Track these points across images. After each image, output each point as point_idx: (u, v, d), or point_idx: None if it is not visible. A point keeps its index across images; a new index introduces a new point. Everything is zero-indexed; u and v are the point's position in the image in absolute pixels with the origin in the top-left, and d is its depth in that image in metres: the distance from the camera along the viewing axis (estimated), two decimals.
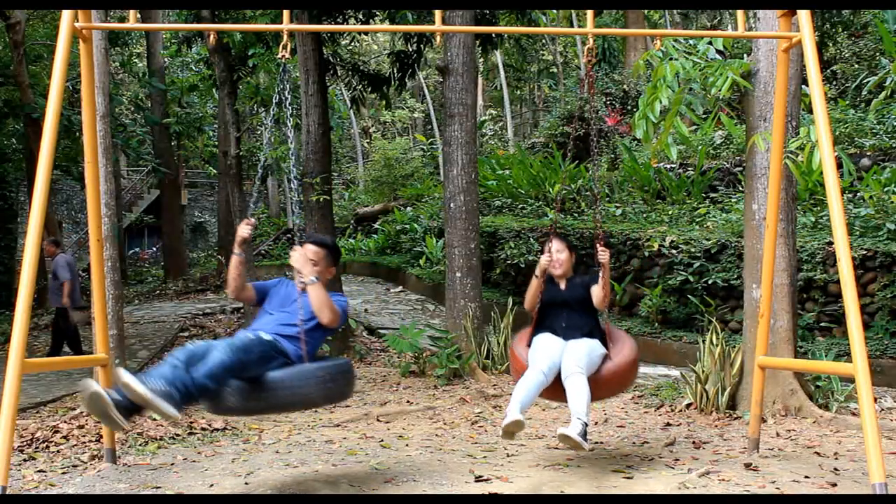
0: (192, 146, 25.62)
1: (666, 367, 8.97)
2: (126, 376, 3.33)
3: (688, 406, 6.34)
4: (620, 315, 10.58)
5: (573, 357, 4.38)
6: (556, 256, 4.72)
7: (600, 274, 4.53)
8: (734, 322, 9.29)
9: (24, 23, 13.81)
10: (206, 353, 3.64)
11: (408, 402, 7.05)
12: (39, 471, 4.43)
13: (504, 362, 8.29)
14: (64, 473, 4.40)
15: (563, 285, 4.76)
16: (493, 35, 11.08)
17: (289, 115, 4.23)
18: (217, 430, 5.71)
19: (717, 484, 4.04)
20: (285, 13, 4.21)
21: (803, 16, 4.06)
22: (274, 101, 4.07)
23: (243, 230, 4.00)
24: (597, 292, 4.60)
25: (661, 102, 5.18)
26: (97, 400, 3.36)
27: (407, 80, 11.39)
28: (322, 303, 3.96)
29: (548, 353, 4.43)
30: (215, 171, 24.17)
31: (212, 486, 4.05)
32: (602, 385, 4.48)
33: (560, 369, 4.37)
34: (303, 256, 4.05)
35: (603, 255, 4.45)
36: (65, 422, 5.59)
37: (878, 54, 14.43)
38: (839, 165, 9.99)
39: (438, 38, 4.58)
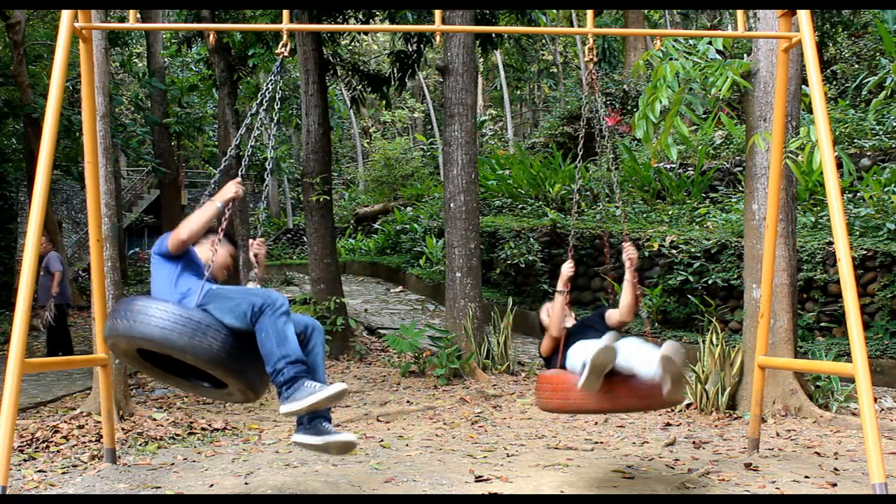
0: (192, 146, 25.60)
1: None
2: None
3: (688, 406, 6.34)
4: None
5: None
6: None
7: (626, 278, 4.21)
8: (734, 322, 9.29)
9: (24, 23, 13.80)
10: None
11: (408, 402, 7.05)
12: (39, 471, 4.43)
13: (504, 362, 8.30)
14: (64, 473, 4.40)
15: (572, 319, 4.40)
16: (493, 35, 11.08)
17: (277, 111, 4.19)
18: (217, 430, 5.71)
19: (717, 484, 4.04)
20: (285, 13, 4.21)
21: (803, 16, 4.06)
22: (260, 97, 3.95)
23: (237, 189, 3.69)
24: (624, 301, 4.21)
25: (661, 102, 5.17)
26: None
27: (407, 80, 11.38)
28: None
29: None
30: (215, 171, 24.16)
31: (212, 486, 4.05)
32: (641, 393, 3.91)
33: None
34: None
35: (631, 252, 4.19)
36: (65, 422, 5.59)
37: (878, 54, 14.43)
38: (839, 165, 9.99)
39: (438, 38, 4.57)
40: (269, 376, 3.39)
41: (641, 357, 3.70)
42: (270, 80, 3.93)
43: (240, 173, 3.90)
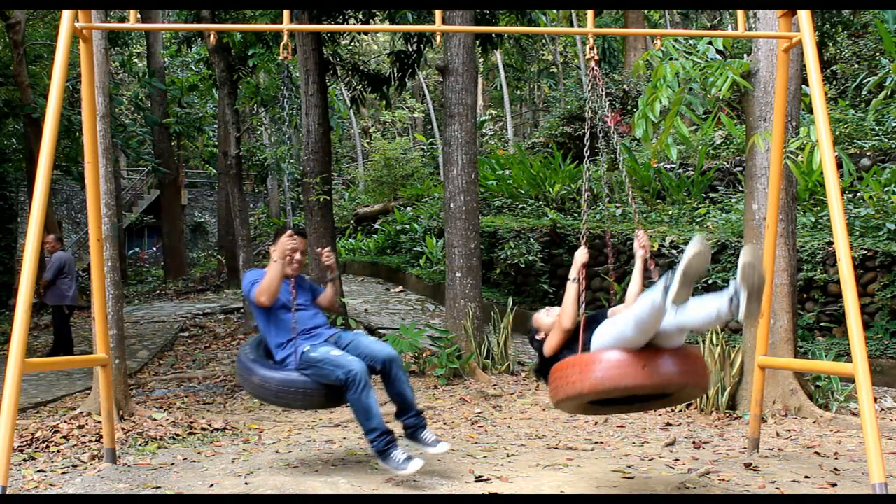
0: (192, 146, 25.62)
1: None
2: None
3: (688, 406, 6.34)
4: None
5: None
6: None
7: (637, 266, 4.14)
8: (734, 322, 9.29)
9: (24, 23, 13.80)
10: None
11: None
12: (39, 471, 4.43)
13: (504, 362, 8.29)
14: (64, 473, 4.40)
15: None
16: (493, 35, 11.08)
17: (287, 114, 4.39)
18: (217, 430, 5.71)
19: (717, 484, 4.04)
20: (285, 13, 4.21)
21: (803, 16, 4.06)
22: (281, 99, 4.21)
23: (290, 243, 4.34)
24: (632, 290, 4.08)
25: (661, 102, 5.18)
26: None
27: (407, 80, 11.39)
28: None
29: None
30: (215, 171, 24.18)
31: (212, 486, 4.05)
32: None
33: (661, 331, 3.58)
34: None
35: (643, 240, 4.10)
36: (65, 422, 5.59)
37: (878, 54, 14.43)
38: (839, 165, 9.99)
39: (438, 38, 4.57)
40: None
41: (700, 306, 3.42)
42: (282, 91, 4.28)
43: (288, 226, 4.42)
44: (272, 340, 4.38)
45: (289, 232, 4.30)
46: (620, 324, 3.58)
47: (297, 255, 4.40)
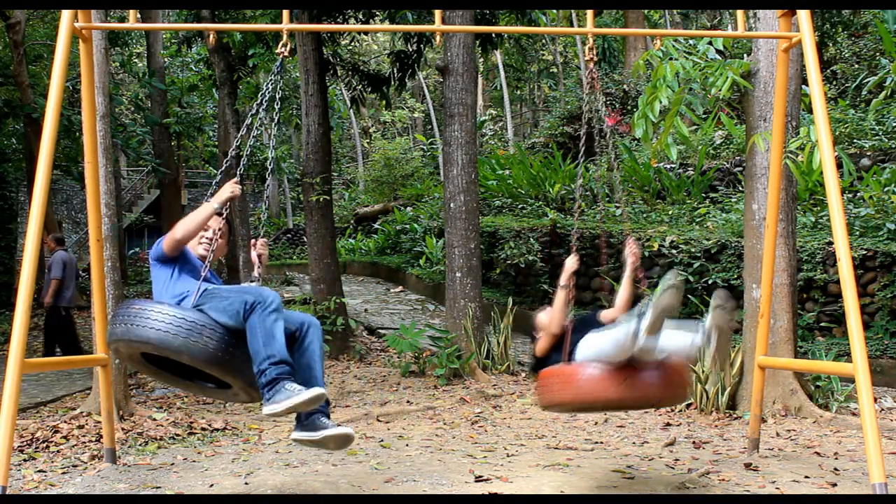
0: (192, 146, 25.60)
1: None
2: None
3: (688, 406, 6.34)
4: None
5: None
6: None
7: (626, 274, 4.17)
8: (734, 322, 9.29)
9: (24, 23, 13.79)
10: None
11: (408, 402, 7.05)
12: (39, 471, 4.43)
13: (504, 362, 8.29)
14: (64, 473, 4.40)
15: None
16: (493, 35, 11.08)
17: (278, 112, 4.22)
18: (217, 430, 5.71)
19: (717, 484, 4.04)
20: (285, 13, 4.21)
21: (803, 16, 4.06)
22: (260, 97, 3.93)
23: (234, 189, 3.65)
24: (621, 298, 4.12)
25: (661, 102, 5.17)
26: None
27: (407, 80, 11.38)
28: None
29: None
30: (215, 171, 24.16)
31: (212, 486, 4.05)
32: None
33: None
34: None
35: (634, 249, 4.14)
36: (65, 422, 5.59)
37: (878, 54, 14.43)
38: (839, 165, 9.99)
39: (438, 38, 4.57)
40: (255, 376, 3.35)
41: (677, 336, 3.63)
42: (270, 80, 3.92)
43: (238, 174, 3.89)
44: (168, 295, 3.61)
45: (236, 179, 3.68)
46: (602, 341, 3.68)
47: (215, 236, 3.72)
